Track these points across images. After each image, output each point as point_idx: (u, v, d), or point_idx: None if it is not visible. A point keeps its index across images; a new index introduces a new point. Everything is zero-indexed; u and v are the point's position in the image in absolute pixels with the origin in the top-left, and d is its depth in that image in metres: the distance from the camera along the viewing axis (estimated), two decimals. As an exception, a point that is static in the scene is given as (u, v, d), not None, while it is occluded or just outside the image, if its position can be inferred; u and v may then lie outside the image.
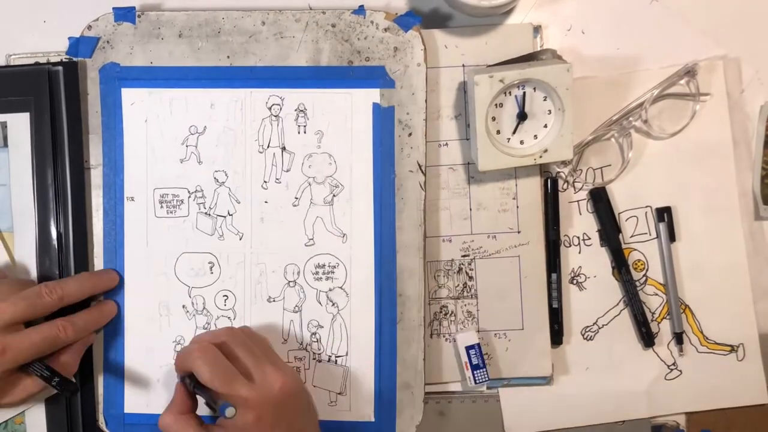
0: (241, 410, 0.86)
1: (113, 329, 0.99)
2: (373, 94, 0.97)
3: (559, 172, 1.01)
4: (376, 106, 0.97)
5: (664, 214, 1.00)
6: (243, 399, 0.86)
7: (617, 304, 1.02)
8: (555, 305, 1.01)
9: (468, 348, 0.99)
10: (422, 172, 0.97)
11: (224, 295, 0.99)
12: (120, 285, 0.99)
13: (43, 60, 0.99)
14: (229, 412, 0.84)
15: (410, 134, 0.97)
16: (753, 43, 1.01)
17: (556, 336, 1.01)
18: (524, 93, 0.95)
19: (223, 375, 0.88)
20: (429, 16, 1.00)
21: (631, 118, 0.99)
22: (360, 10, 0.97)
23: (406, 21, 0.96)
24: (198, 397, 0.92)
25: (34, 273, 0.98)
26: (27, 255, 0.98)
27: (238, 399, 0.86)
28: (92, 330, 0.97)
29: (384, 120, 0.97)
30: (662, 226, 1.00)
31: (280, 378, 0.89)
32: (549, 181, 1.00)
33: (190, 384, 0.91)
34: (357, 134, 0.97)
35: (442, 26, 0.99)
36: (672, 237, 1.01)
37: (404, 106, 0.97)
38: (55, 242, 0.97)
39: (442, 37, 0.99)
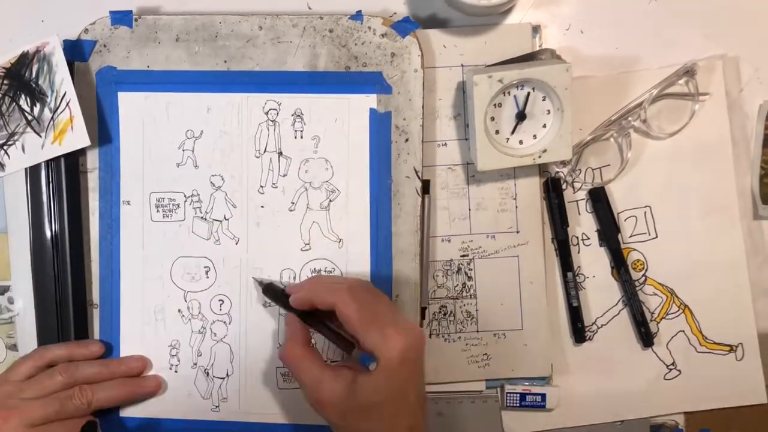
0: (384, 350, 0.82)
1: (108, 333, 0.99)
2: (370, 100, 0.96)
3: (558, 172, 1.01)
4: (372, 112, 0.96)
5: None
6: (388, 338, 0.82)
7: (616, 304, 1.02)
8: (575, 304, 1.01)
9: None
10: (419, 178, 0.97)
11: (220, 300, 0.99)
12: (116, 290, 0.99)
13: (39, 61, 0.99)
14: (372, 366, 0.81)
15: (407, 140, 0.96)
16: (752, 43, 1.01)
17: (579, 333, 1.02)
18: (527, 94, 0.95)
19: (370, 314, 0.85)
20: (427, 21, 1.00)
21: (630, 118, 0.99)
22: (357, 16, 0.96)
23: (403, 27, 0.96)
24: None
25: (29, 274, 0.98)
26: (21, 256, 0.98)
27: (382, 339, 0.82)
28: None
29: (381, 126, 0.97)
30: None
31: (419, 330, 0.87)
32: (550, 181, 1.00)
33: (315, 322, 0.91)
34: (354, 140, 0.97)
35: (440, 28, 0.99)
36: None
37: (401, 112, 0.96)
38: (50, 243, 0.97)
39: (440, 37, 0.99)
